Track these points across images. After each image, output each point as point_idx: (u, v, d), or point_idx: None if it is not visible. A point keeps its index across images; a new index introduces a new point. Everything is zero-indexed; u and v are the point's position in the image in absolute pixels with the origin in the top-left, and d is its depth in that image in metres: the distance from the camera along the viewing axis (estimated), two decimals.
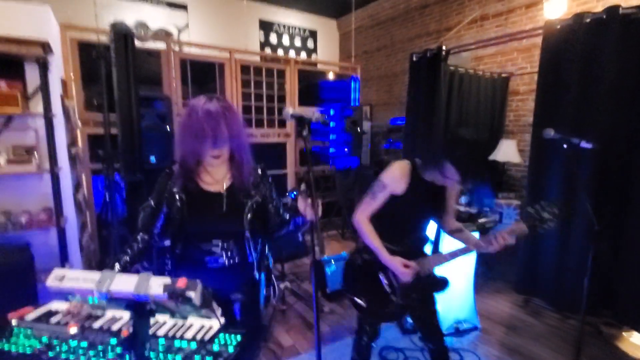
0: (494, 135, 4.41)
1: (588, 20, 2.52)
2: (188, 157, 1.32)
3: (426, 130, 3.66)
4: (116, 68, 2.55)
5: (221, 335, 1.17)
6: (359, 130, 4.52)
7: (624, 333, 2.56)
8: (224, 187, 1.38)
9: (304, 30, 6.56)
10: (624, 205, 2.45)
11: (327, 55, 6.87)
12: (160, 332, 1.16)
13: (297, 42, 6.49)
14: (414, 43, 5.60)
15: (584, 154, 2.34)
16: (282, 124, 4.61)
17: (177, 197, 1.33)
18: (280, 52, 6.25)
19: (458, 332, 2.63)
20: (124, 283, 0.86)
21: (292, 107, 1.14)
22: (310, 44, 6.66)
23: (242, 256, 1.41)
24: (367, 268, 1.68)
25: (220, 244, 1.37)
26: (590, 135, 2.36)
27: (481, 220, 3.14)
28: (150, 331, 1.16)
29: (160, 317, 1.19)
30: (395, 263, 1.57)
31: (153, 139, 3.07)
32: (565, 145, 1.73)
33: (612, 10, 2.38)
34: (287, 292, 3.10)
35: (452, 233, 1.67)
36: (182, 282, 0.81)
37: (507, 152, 4.09)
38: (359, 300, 1.71)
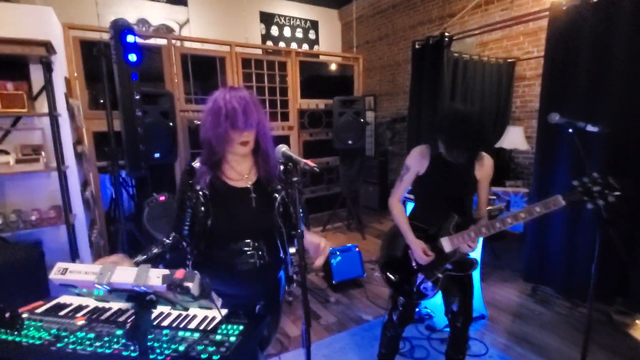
0: (501, 122, 4.35)
1: (595, 0, 2.45)
2: (216, 147, 1.24)
3: (431, 120, 3.62)
4: (117, 65, 2.57)
5: (224, 325, 1.18)
6: (362, 121, 4.49)
7: (637, 321, 2.52)
8: (251, 182, 1.32)
9: (305, 21, 6.50)
10: (637, 191, 2.39)
11: (329, 46, 6.81)
12: (165, 323, 1.18)
13: (299, 34, 6.44)
14: (417, 31, 5.52)
15: (593, 139, 2.29)
16: (285, 116, 4.60)
17: (201, 195, 1.27)
18: (282, 44, 6.22)
19: None
20: (124, 275, 0.87)
21: (287, 147, 1.21)
22: (312, 35, 6.61)
23: (272, 255, 1.34)
24: (401, 246, 1.78)
25: (251, 243, 1.29)
26: (601, 120, 2.32)
27: (488, 208, 3.11)
28: (155, 322, 1.18)
29: (164, 309, 1.21)
30: (415, 246, 1.67)
31: (157, 135, 3.09)
32: (570, 130, 1.69)
33: None
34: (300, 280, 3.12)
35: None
36: (180, 273, 0.82)
37: (514, 139, 4.03)
38: (389, 275, 1.82)
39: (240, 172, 1.32)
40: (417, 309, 2.70)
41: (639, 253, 2.39)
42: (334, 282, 3.15)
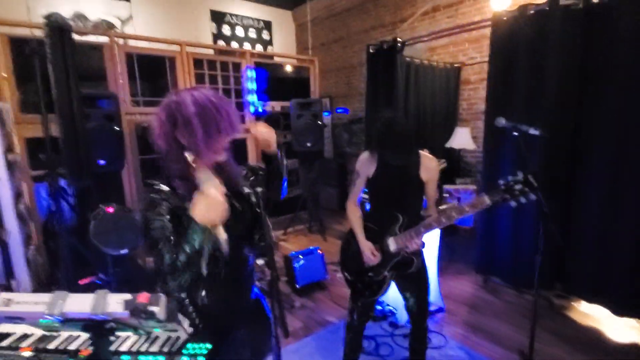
0: (449, 124, 4.60)
1: (532, 11, 2.66)
2: (205, 156, 1.09)
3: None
4: (52, 64, 2.34)
5: (189, 345, 1.12)
6: (319, 123, 4.51)
7: (573, 303, 2.79)
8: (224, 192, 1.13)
9: (259, 21, 6.39)
10: (569, 188, 2.65)
11: (284, 47, 6.76)
12: (123, 348, 1.09)
13: (252, 34, 6.32)
14: (370, 35, 5.66)
15: (534, 140, 2.49)
16: (241, 119, 4.49)
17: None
18: (234, 44, 6.06)
19: None
20: (79, 303, 0.78)
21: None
22: (265, 35, 6.51)
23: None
24: (356, 246, 1.84)
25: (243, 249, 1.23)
26: (539, 123, 2.53)
27: (441, 207, 3.27)
28: (112, 347, 1.08)
29: (123, 334, 1.12)
30: (364, 247, 1.77)
31: (100, 141, 2.85)
32: (515, 133, 1.83)
33: (554, 1, 2.53)
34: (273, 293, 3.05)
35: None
36: (143, 297, 0.76)
37: (462, 139, 4.28)
38: (346, 274, 1.91)
39: (210, 183, 1.13)
40: (380, 307, 2.77)
41: (571, 242, 2.65)
42: (297, 286, 3.13)
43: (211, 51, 4.87)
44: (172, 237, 1.04)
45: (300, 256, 3.19)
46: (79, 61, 3.15)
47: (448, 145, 4.36)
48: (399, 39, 3.64)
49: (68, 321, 0.78)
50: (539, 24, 2.62)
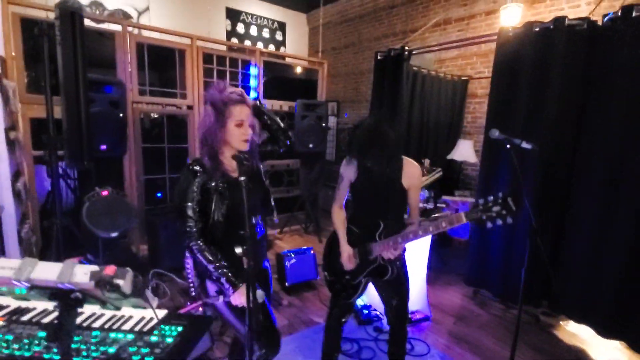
0: (453, 136, 4.60)
1: (537, 29, 2.67)
2: (229, 142, 1.44)
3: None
4: (61, 47, 2.38)
5: (162, 326, 1.14)
6: (323, 126, 4.54)
7: (560, 322, 2.76)
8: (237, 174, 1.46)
9: (273, 22, 6.47)
10: (564, 205, 2.64)
11: (296, 49, 6.83)
12: (96, 324, 1.11)
13: (266, 34, 6.39)
14: (381, 42, 5.69)
15: (530, 155, 2.49)
16: None
17: (220, 189, 1.43)
18: (247, 42, 6.13)
19: (410, 322, 2.72)
20: (47, 271, 0.81)
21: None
22: (278, 36, 6.58)
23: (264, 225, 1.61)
24: (337, 248, 1.85)
25: (254, 220, 1.52)
26: (538, 139, 2.54)
27: (434, 216, 3.27)
28: (85, 323, 1.11)
29: (96, 309, 1.15)
30: (343, 251, 1.78)
31: (104, 126, 2.91)
32: (508, 146, 1.83)
33: (559, 20, 2.54)
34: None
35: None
36: (110, 269, 0.78)
37: (464, 152, 4.27)
38: (326, 274, 1.93)
39: (232, 163, 1.45)
40: (367, 311, 2.77)
41: (562, 260, 2.63)
42: (287, 284, 3.14)
43: (222, 47, 4.94)
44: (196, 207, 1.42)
45: (292, 255, 3.20)
46: (90, 47, 3.22)
47: (450, 156, 4.35)
48: (406, 48, 3.66)
49: (35, 288, 0.80)
50: (544, 42, 2.62)
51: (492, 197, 1.39)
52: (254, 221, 1.51)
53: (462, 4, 4.66)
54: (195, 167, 1.43)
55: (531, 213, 1.78)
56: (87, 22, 3.37)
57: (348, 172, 1.78)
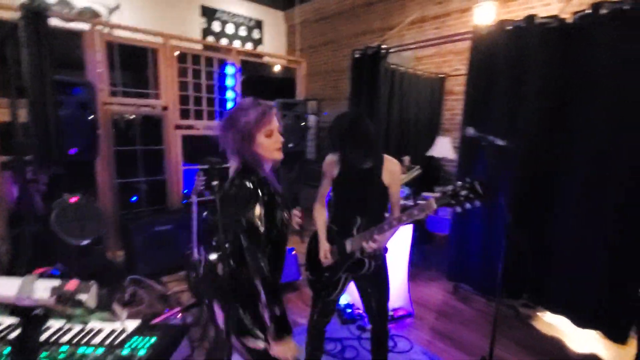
0: (432, 133, 4.66)
1: (510, 27, 2.72)
2: (262, 155, 1.30)
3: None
4: (26, 49, 2.27)
5: (135, 338, 1.09)
6: (302, 125, 4.51)
7: (538, 313, 2.84)
8: None
9: (250, 20, 6.37)
10: (543, 200, 2.70)
11: (274, 47, 6.75)
12: (64, 339, 1.06)
13: (243, 32, 6.29)
14: (359, 40, 5.70)
15: (508, 152, 2.53)
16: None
17: (280, 201, 1.31)
18: (224, 41, 6.02)
19: (393, 319, 2.74)
20: (5, 287, 0.76)
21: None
22: (256, 34, 6.50)
23: None
24: (317, 247, 1.85)
25: None
26: (515, 135, 2.59)
27: (406, 212, 3.29)
28: (52, 338, 1.06)
29: (63, 323, 1.09)
30: (321, 248, 1.79)
31: (73, 129, 2.78)
32: (483, 143, 1.86)
33: (530, 18, 2.60)
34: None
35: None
36: (72, 284, 0.74)
37: (443, 148, 4.34)
38: (308, 274, 1.92)
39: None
40: (350, 310, 2.77)
41: (541, 254, 2.70)
42: None
43: (198, 46, 4.83)
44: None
45: None
46: (57, 47, 3.08)
47: (429, 153, 4.41)
48: (383, 46, 3.67)
49: None
50: (517, 40, 2.67)
51: (459, 183, 1.42)
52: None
53: (437, 2, 4.72)
54: (254, 179, 1.23)
55: (506, 208, 1.82)
56: (55, 22, 3.23)
57: (331, 169, 1.80)
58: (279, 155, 1.33)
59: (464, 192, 1.38)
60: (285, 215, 1.32)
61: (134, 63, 3.82)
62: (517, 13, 3.90)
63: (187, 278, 2.82)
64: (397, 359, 2.31)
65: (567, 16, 2.52)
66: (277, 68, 5.35)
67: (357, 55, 3.83)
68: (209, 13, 5.87)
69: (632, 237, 2.25)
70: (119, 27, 3.78)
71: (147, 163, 3.80)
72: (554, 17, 2.54)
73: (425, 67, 4.78)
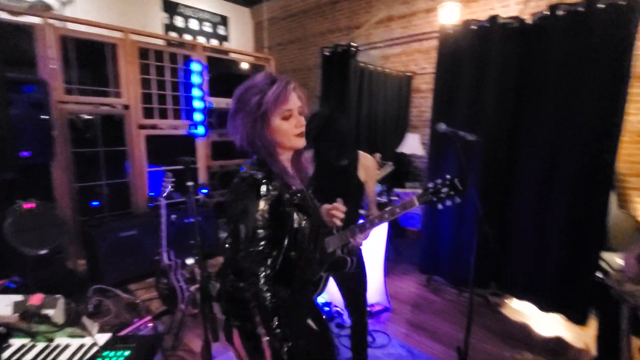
0: (401, 130, 4.75)
1: (475, 27, 2.83)
2: (278, 142, 1.08)
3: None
4: None
5: (106, 353, 1.02)
6: None
7: (506, 300, 2.98)
8: (299, 182, 1.19)
9: (214, 15, 6.19)
10: (506, 193, 2.83)
11: (241, 44, 6.61)
12: (27, 358, 0.96)
13: (207, 28, 6.10)
14: (326, 38, 5.71)
15: (474, 147, 2.63)
16: (190, 115, 4.28)
17: (292, 199, 1.10)
18: (187, 37, 5.81)
19: (370, 314, 2.77)
20: None
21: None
22: (221, 30, 6.32)
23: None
24: None
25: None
26: (479, 131, 2.69)
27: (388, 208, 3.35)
28: (14, 357, 0.96)
29: (27, 341, 0.99)
30: None
31: (26, 130, 2.57)
32: (453, 138, 1.91)
33: (494, 19, 2.71)
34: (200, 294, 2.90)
35: None
36: (36, 298, 0.67)
37: (412, 144, 4.44)
38: None
39: (291, 172, 1.16)
40: (328, 308, 2.76)
41: (505, 244, 2.83)
42: None
43: (160, 41, 4.62)
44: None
45: None
46: (7, 43, 2.83)
47: (399, 150, 4.50)
48: (353, 44, 3.69)
49: None
50: (481, 39, 2.78)
51: (440, 180, 1.45)
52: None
53: (403, 1, 4.82)
54: (257, 176, 1.02)
55: (478, 202, 1.88)
56: (3, 15, 2.96)
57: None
58: (299, 142, 1.09)
59: (444, 190, 1.40)
60: (304, 221, 1.11)
61: (91, 59, 3.58)
62: (479, 14, 4.06)
63: (157, 285, 2.69)
64: (376, 354, 2.33)
65: (527, 17, 2.65)
66: (244, 65, 5.23)
67: (326, 53, 3.83)
68: (170, 8, 5.64)
69: (583, 228, 2.42)
70: (74, 21, 3.52)
71: (109, 165, 3.58)
72: (515, 17, 2.67)
73: (393, 65, 4.87)
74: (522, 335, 2.57)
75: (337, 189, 1.72)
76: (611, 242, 2.52)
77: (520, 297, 2.87)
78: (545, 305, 2.67)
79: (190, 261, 1.37)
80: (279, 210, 1.04)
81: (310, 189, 1.26)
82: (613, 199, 2.85)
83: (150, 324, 2.10)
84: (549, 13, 2.47)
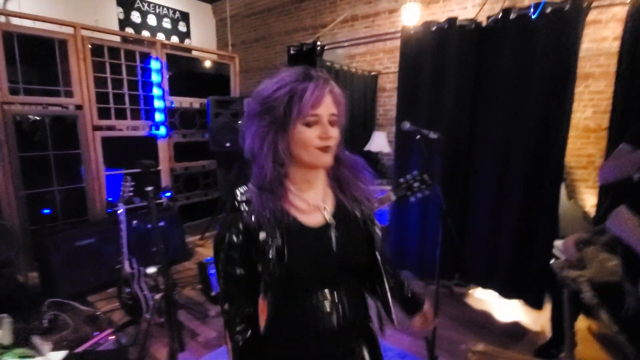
0: (368, 128, 4.83)
1: (434, 28, 2.92)
2: (281, 155, 0.83)
3: None
4: None
5: None
6: (240, 123, 4.36)
7: (470, 290, 3.11)
8: (329, 214, 0.89)
9: (174, 11, 5.97)
10: (466, 187, 2.96)
11: (203, 41, 6.43)
12: None
13: (167, 24, 5.88)
14: (291, 37, 5.68)
15: (435, 144, 2.72)
16: (150, 115, 4.11)
17: (269, 244, 0.81)
18: (145, 33, 5.56)
19: None
20: None
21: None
22: (182, 27, 6.11)
23: (356, 310, 0.93)
24: None
25: (329, 295, 0.88)
26: (440, 129, 2.79)
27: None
28: None
29: None
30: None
31: None
32: (418, 136, 1.96)
33: (452, 21, 2.81)
34: (163, 302, 2.79)
35: None
36: None
37: (379, 143, 4.52)
38: None
39: (311, 197, 0.89)
40: None
41: (467, 236, 2.96)
42: (212, 293, 2.95)
43: (116, 38, 4.38)
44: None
45: None
46: None
47: (367, 148, 4.56)
48: (318, 43, 3.69)
49: None
50: (440, 40, 2.88)
51: (409, 176, 1.53)
52: (326, 300, 0.87)
53: (367, 1, 4.89)
54: (242, 205, 0.85)
55: (442, 196, 1.95)
56: None
57: None
58: (321, 159, 0.84)
59: (416, 184, 1.49)
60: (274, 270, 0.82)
61: (39, 57, 3.33)
62: (438, 15, 4.20)
63: (119, 295, 2.55)
64: None
65: (483, 20, 2.77)
66: (207, 64, 5.09)
67: (292, 52, 3.81)
68: (126, 2, 5.37)
69: (537, 218, 2.58)
70: (18, 15, 3.26)
71: (62, 170, 3.35)
72: (472, 20, 2.78)
73: (358, 64, 4.94)
74: (484, 321, 2.70)
75: None
76: (562, 231, 2.70)
77: (482, 286, 3.01)
78: (505, 292, 2.83)
79: (151, 270, 1.30)
80: (257, 247, 0.83)
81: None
82: (562, 191, 3.07)
83: (112, 337, 1.99)
84: (502, 16, 2.59)
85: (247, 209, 0.84)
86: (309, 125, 0.81)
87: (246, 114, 0.87)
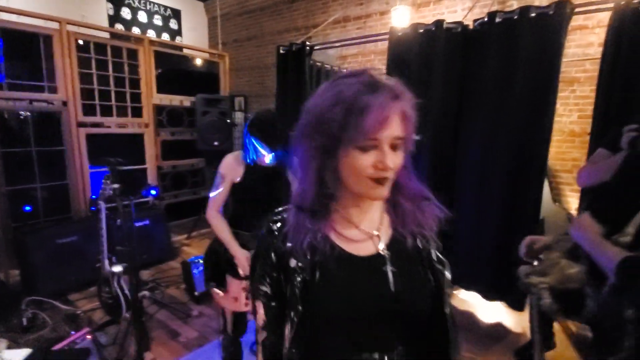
0: None
1: (422, 30, 2.93)
2: (325, 185, 0.70)
3: (295, 123, 3.75)
4: None
5: None
6: (228, 122, 4.34)
7: (454, 292, 3.13)
8: (384, 243, 0.75)
9: (166, 9, 5.92)
10: (451, 190, 2.97)
11: (195, 39, 6.37)
12: None
13: (158, 21, 5.82)
14: (284, 36, 5.66)
15: (421, 146, 2.73)
16: (137, 112, 4.07)
17: (298, 273, 0.69)
18: (136, 30, 5.50)
19: None
20: None
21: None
22: (173, 24, 6.06)
23: None
24: (226, 256, 1.69)
25: (383, 356, 0.70)
26: (428, 130, 2.82)
27: None
28: None
29: None
30: (240, 255, 1.64)
31: None
32: None
33: (439, 23, 2.82)
34: (146, 302, 2.77)
35: None
36: None
37: None
38: (217, 290, 1.74)
39: (363, 223, 0.75)
40: None
41: (455, 238, 2.98)
42: (196, 293, 2.93)
43: (104, 34, 4.33)
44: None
45: (201, 261, 3.00)
46: None
47: None
48: (307, 43, 3.69)
49: None
50: (427, 42, 2.89)
51: None
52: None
53: (359, 3, 4.89)
54: (274, 225, 0.75)
55: None
56: None
57: (233, 170, 1.68)
58: (374, 192, 0.69)
59: None
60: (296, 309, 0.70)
61: (23, 52, 3.28)
62: (428, 18, 4.21)
63: (99, 294, 2.52)
64: None
65: (469, 23, 2.79)
66: (198, 62, 5.06)
67: (282, 52, 3.80)
68: None
69: (519, 221, 2.59)
70: (3, 10, 3.21)
71: (45, 167, 3.30)
72: (459, 23, 2.80)
73: (350, 65, 4.93)
74: (467, 323, 2.72)
75: (270, 191, 1.68)
76: (547, 234, 2.72)
77: (466, 288, 3.02)
78: (489, 294, 2.84)
79: (117, 268, 1.28)
80: (289, 282, 0.71)
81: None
82: (548, 194, 3.09)
83: (89, 336, 1.96)
84: (488, 20, 2.61)
85: (279, 230, 0.73)
86: (364, 150, 0.66)
87: (298, 129, 0.74)
